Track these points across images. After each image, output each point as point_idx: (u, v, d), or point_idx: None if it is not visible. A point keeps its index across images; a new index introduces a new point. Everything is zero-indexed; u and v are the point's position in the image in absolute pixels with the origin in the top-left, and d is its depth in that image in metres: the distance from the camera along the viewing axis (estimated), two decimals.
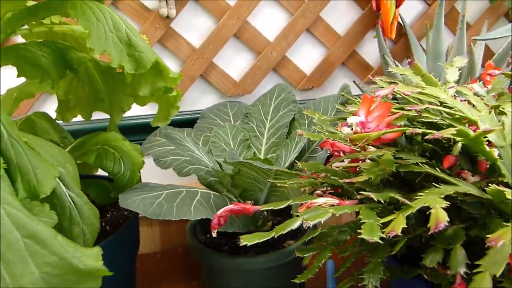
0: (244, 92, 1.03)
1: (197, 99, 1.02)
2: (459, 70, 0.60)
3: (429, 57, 0.91)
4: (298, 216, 0.37)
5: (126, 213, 0.67)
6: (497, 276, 0.32)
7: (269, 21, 1.00)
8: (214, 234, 0.42)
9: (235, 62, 1.02)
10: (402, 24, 1.03)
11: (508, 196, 0.31)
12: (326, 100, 0.81)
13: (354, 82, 0.98)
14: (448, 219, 0.33)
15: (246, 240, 0.36)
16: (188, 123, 0.95)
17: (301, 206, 0.40)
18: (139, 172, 0.64)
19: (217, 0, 0.95)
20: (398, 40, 1.07)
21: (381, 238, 0.43)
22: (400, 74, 0.74)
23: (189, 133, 0.88)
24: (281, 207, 0.41)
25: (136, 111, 0.93)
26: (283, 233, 0.36)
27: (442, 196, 0.33)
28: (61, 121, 0.77)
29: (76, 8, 0.52)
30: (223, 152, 0.82)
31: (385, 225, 0.33)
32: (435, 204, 0.32)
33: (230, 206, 0.41)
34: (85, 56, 0.59)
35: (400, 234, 0.31)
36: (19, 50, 0.55)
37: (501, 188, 0.33)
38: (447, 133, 0.35)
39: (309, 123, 0.81)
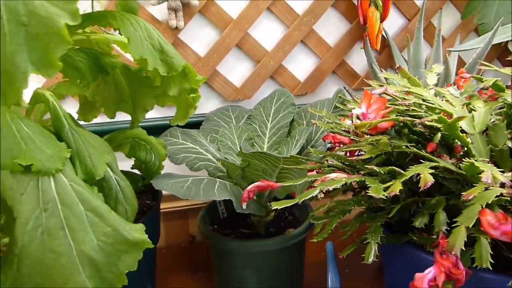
0: (245, 97, 1.12)
1: (201, 104, 1.11)
2: (437, 75, 0.71)
3: (410, 66, 1.03)
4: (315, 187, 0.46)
5: (148, 202, 0.75)
6: (470, 227, 0.42)
7: (268, 33, 1.10)
8: (244, 206, 0.51)
9: (236, 69, 1.11)
10: (386, 37, 1.14)
11: (477, 165, 0.42)
12: (322, 103, 0.92)
13: (344, 88, 1.09)
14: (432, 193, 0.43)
15: (276, 205, 0.45)
16: (193, 125, 1.03)
17: (315, 181, 0.49)
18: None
19: (221, 13, 1.05)
20: (382, 51, 1.18)
21: (378, 210, 0.53)
22: (386, 79, 0.85)
23: (197, 134, 0.97)
24: (299, 183, 0.50)
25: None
26: (300, 199, 0.45)
27: (428, 167, 0.43)
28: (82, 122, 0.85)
29: (116, 19, 0.60)
30: (229, 150, 0.91)
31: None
32: (423, 171, 0.42)
33: (257, 183, 0.50)
34: (117, 61, 0.68)
35: (398, 193, 0.41)
36: (63, 56, 0.63)
37: (472, 160, 0.43)
38: (430, 118, 0.45)
39: (307, 123, 0.91)
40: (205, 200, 0.93)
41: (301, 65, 1.15)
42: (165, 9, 1.00)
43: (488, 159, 0.50)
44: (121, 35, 0.61)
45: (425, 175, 0.41)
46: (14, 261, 0.44)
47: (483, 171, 0.41)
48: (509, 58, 0.69)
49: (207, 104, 1.12)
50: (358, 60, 1.19)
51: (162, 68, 0.60)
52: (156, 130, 0.98)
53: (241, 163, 0.79)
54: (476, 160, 0.46)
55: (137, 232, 0.49)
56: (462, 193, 0.41)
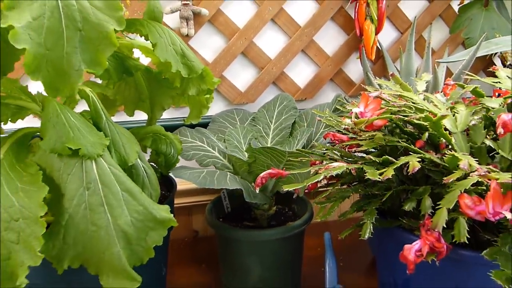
0: (248, 101, 1.20)
1: None
2: (426, 82, 0.80)
3: (402, 75, 1.12)
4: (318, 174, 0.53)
5: (163, 192, 0.82)
6: (450, 208, 0.50)
7: (271, 42, 1.19)
8: (257, 191, 0.58)
9: (241, 75, 1.19)
10: (380, 48, 1.23)
11: (457, 155, 0.50)
12: (322, 107, 1.00)
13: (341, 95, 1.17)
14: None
15: (287, 187, 0.53)
16: (200, 126, 1.10)
17: (319, 169, 0.57)
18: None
19: (228, 23, 1.13)
20: (377, 61, 1.27)
21: (373, 197, 0.61)
22: (379, 86, 0.94)
23: (207, 132, 1.04)
24: (305, 171, 0.58)
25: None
26: (312, 179, 0.53)
27: (416, 157, 0.51)
28: None
29: (144, 26, 0.68)
30: (236, 148, 0.99)
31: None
32: (412, 159, 0.50)
33: (269, 171, 0.58)
34: (141, 64, 0.75)
35: (391, 177, 0.49)
36: None
37: (453, 152, 0.51)
38: (418, 116, 0.54)
39: (308, 125, 0.99)
40: (213, 193, 0.99)
41: (301, 72, 1.24)
42: (177, 17, 1.08)
43: (468, 154, 0.58)
44: (147, 40, 0.69)
45: (413, 162, 0.49)
46: (61, 231, 0.51)
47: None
48: (490, 69, 0.78)
49: (213, 106, 1.18)
50: (354, 69, 1.27)
51: (184, 71, 0.67)
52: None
53: (248, 158, 0.86)
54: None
55: (164, 211, 0.56)
56: (444, 178, 0.49)
